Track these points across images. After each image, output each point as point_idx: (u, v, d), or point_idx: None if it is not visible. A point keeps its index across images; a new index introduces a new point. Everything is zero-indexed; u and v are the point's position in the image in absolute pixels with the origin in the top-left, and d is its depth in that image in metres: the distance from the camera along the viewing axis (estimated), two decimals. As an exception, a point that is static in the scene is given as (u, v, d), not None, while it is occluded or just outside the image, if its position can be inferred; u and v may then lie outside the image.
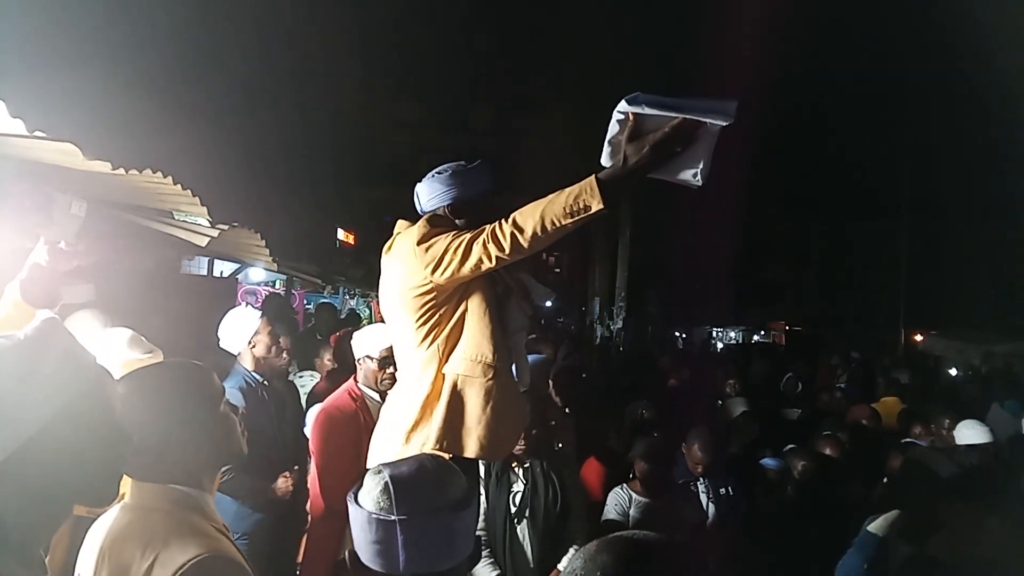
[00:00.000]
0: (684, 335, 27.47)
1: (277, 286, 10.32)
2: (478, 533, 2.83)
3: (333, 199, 11.64)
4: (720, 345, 25.99)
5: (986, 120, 21.28)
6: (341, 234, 12.49)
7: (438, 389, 2.11)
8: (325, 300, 10.74)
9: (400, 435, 2.12)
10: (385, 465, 1.40)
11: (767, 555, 3.34)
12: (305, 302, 11.13)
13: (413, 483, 1.34)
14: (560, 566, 2.93)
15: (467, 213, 2.20)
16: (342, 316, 9.47)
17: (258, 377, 3.62)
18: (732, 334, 31.30)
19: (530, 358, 3.88)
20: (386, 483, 1.34)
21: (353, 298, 12.23)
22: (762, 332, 30.17)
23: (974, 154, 21.83)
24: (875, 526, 2.83)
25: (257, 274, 8.93)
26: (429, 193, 2.27)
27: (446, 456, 2.00)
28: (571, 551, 2.96)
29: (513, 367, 2.31)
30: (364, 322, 9.15)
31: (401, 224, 2.25)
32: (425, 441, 2.06)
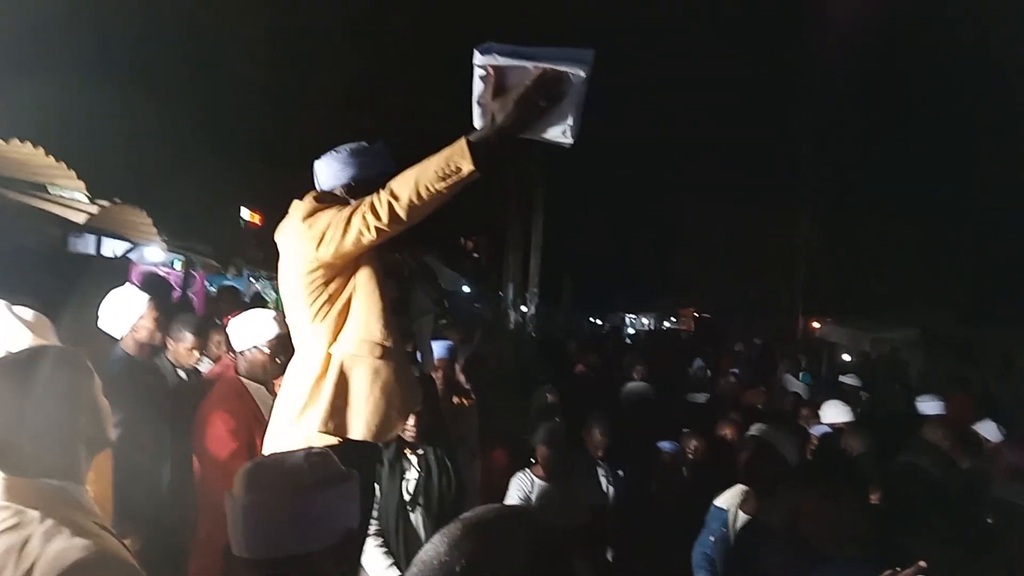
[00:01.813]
0: (598, 321, 28.03)
1: (176, 267, 9.85)
2: (372, 521, 2.77)
3: (237, 177, 11.18)
4: (631, 331, 26.64)
5: (884, 115, 22.54)
6: (247, 214, 12.02)
7: (326, 368, 2.05)
8: (229, 283, 10.31)
9: (291, 418, 2.05)
10: (264, 458, 1.39)
11: (661, 535, 3.42)
12: (208, 284, 10.66)
13: (265, 468, 1.33)
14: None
15: (364, 193, 2.09)
16: (247, 299, 9.14)
17: (140, 362, 3.41)
18: (644, 320, 32.16)
19: (438, 344, 3.86)
20: (245, 470, 1.32)
21: (259, 280, 11.80)
22: (672, 319, 31.12)
23: (870, 148, 23.10)
24: (721, 500, 2.98)
25: (153, 254, 8.47)
26: (327, 171, 2.21)
27: (334, 439, 1.95)
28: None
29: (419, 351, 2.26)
30: (270, 306, 8.85)
31: (295, 203, 2.16)
32: (313, 423, 2.00)
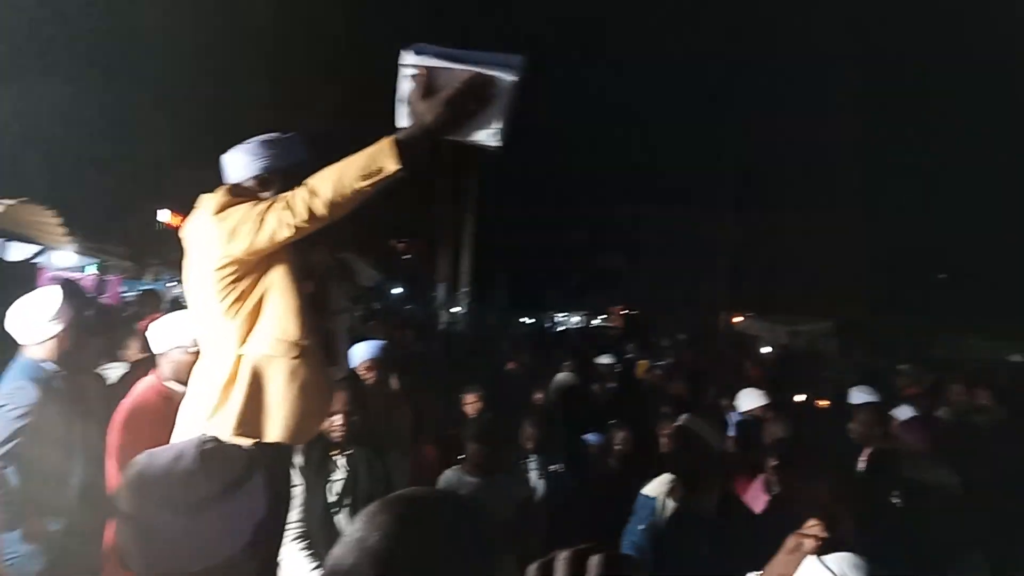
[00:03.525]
0: (529, 320, 28.22)
1: (88, 272, 9.42)
2: (296, 524, 2.72)
3: (156, 179, 10.78)
4: (562, 329, 26.95)
5: (803, 117, 23.52)
6: (166, 216, 11.60)
7: (236, 370, 1.97)
8: (147, 287, 9.93)
9: (199, 419, 1.97)
10: (149, 454, 1.27)
11: (589, 527, 3.47)
12: (123, 289, 10.23)
13: (153, 479, 1.21)
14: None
15: (276, 186, 2.04)
16: (167, 304, 8.82)
17: (53, 369, 3.24)
18: (575, 319, 32.56)
19: (370, 344, 3.81)
20: (130, 477, 1.22)
21: (178, 284, 11.42)
22: (602, 316, 31.61)
23: (789, 151, 24.09)
24: (648, 488, 3.07)
25: (65, 258, 8.07)
26: (237, 163, 2.13)
27: (248, 441, 1.89)
28: None
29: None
30: (191, 310, 8.53)
31: (203, 197, 2.07)
32: (225, 425, 1.92)
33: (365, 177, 1.79)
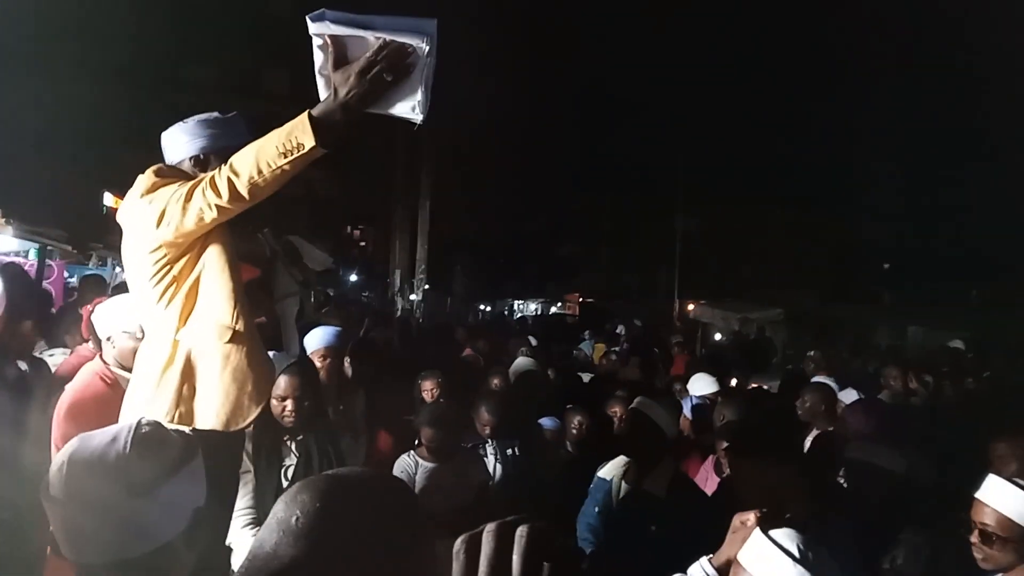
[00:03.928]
0: (486, 308, 28.23)
1: (31, 256, 9.08)
2: (247, 510, 2.67)
3: (99, 162, 10.42)
4: (519, 316, 27.04)
5: (749, 104, 23.96)
6: (111, 200, 11.23)
7: (173, 354, 1.92)
8: (92, 272, 9.61)
9: (140, 405, 1.91)
10: (82, 437, 1.23)
11: (544, 510, 3.50)
12: (67, 274, 9.90)
13: (87, 461, 1.18)
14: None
15: (215, 167, 1.94)
16: (113, 289, 8.55)
17: None
18: (532, 306, 32.69)
19: (325, 330, 3.77)
20: (62, 461, 1.18)
21: (124, 269, 11.12)
22: (559, 304, 31.80)
23: (741, 141, 24.54)
24: (604, 471, 3.11)
25: (4, 242, 7.77)
26: (175, 142, 2.07)
27: (185, 427, 1.85)
28: None
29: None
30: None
31: (138, 178, 2.00)
32: (160, 412, 1.87)
33: (284, 155, 1.72)
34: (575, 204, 30.29)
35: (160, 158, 2.12)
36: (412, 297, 14.51)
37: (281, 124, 2.14)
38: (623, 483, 3.00)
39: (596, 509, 3.06)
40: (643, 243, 27.21)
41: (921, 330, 16.51)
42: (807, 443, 3.90)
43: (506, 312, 28.79)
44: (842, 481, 3.34)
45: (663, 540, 2.69)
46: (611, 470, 3.08)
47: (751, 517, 1.72)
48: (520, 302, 32.74)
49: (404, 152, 15.64)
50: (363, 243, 30.21)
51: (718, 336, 15.36)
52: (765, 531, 1.49)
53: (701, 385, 4.85)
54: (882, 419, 3.86)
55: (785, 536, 1.47)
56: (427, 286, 14.45)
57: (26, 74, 8.24)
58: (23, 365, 3.57)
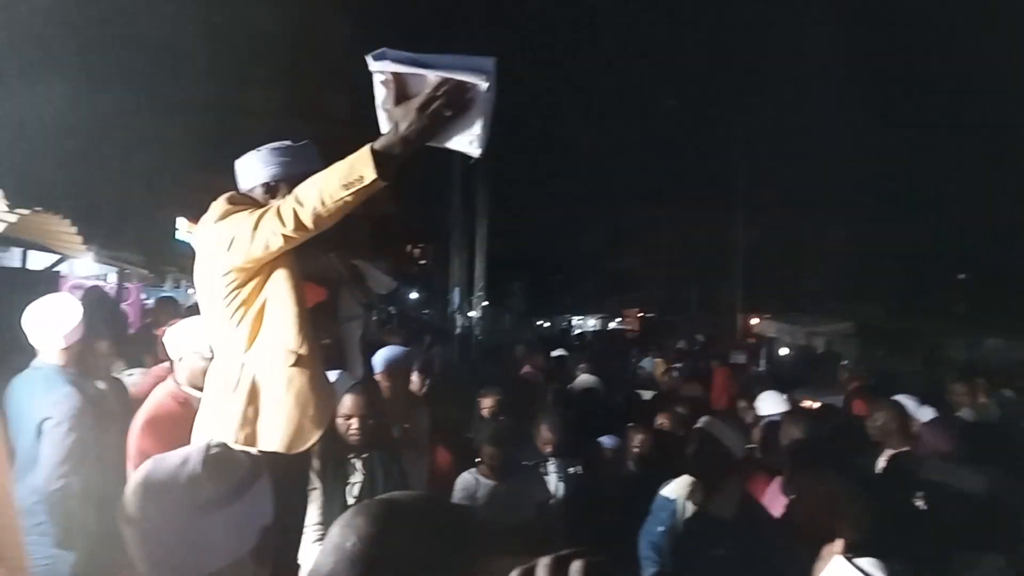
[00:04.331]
0: (544, 324, 28.20)
1: (110, 280, 9.52)
2: (317, 526, 2.73)
3: (174, 188, 10.88)
4: (577, 332, 26.93)
5: (816, 116, 23.41)
6: (184, 224, 11.70)
7: (240, 376, 1.98)
8: (166, 294, 10.02)
9: (210, 425, 1.98)
10: (156, 459, 1.28)
11: (606, 530, 3.45)
12: (144, 296, 10.35)
13: (160, 481, 1.21)
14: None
15: (284, 194, 2.00)
16: (186, 311, 8.89)
17: (79, 374, 3.25)
18: (591, 322, 32.50)
19: (389, 350, 3.82)
20: (137, 483, 1.22)
21: (196, 291, 11.54)
22: (618, 319, 31.53)
23: (806, 149, 23.97)
24: (668, 490, 3.05)
25: (85, 266, 8.17)
26: (248, 170, 2.13)
27: (252, 448, 1.89)
28: None
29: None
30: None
31: (212, 204, 2.06)
32: (228, 433, 1.92)
33: (346, 187, 1.77)
34: (633, 217, 30.05)
35: (229, 183, 2.19)
36: (471, 314, 14.61)
37: (342, 147, 2.20)
38: (688, 503, 2.94)
39: (660, 528, 3.01)
40: (704, 256, 26.75)
41: (1000, 342, 15.70)
42: (881, 463, 3.75)
43: (564, 328, 28.68)
44: (920, 503, 3.20)
45: (730, 563, 2.63)
46: (676, 490, 3.02)
47: (837, 545, 1.66)
48: (579, 318, 32.59)
49: (461, 170, 15.83)
50: (422, 261, 30.61)
51: (784, 351, 14.94)
52: (850, 559, 1.43)
53: (770, 403, 4.71)
54: (961, 438, 3.68)
55: (870, 565, 1.41)
56: (486, 303, 14.53)
57: (106, 108, 8.68)
58: (102, 384, 3.72)
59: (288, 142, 2.17)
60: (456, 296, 14.69)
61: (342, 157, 2.08)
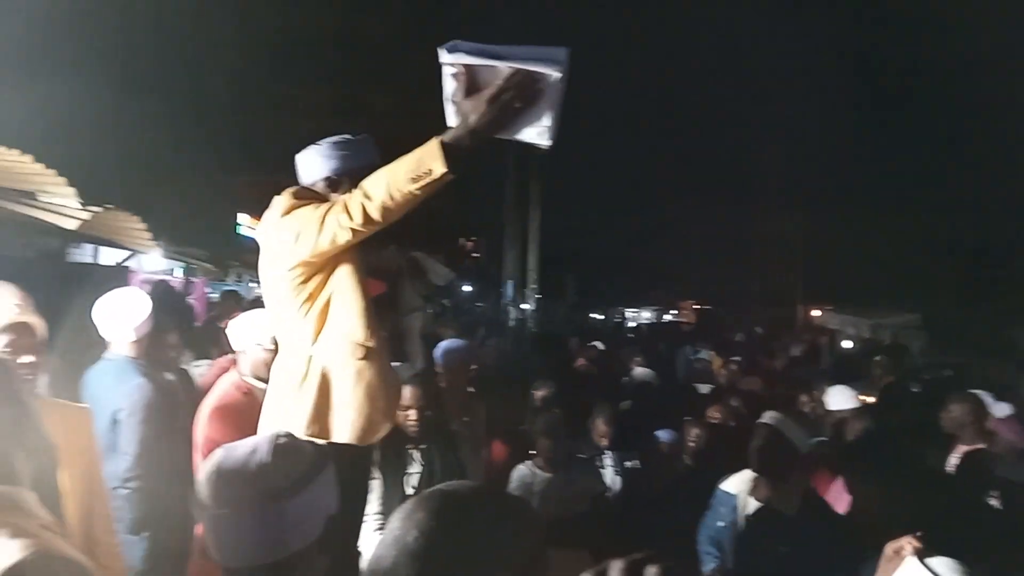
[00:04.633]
0: (599, 316, 28.02)
1: (176, 274, 9.87)
2: (376, 515, 2.77)
3: (234, 185, 11.22)
4: (632, 324, 26.69)
5: (880, 111, 22.62)
6: (246, 220, 12.06)
7: (307, 370, 2.00)
8: (229, 288, 10.35)
9: (278, 418, 2.01)
10: (226, 447, 1.31)
11: (662, 523, 3.42)
12: (208, 290, 10.70)
13: (229, 473, 1.25)
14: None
15: (346, 188, 2.03)
16: (248, 304, 9.15)
17: (144, 366, 3.37)
18: (645, 314, 32.19)
19: (451, 343, 3.85)
20: (209, 471, 1.26)
21: (258, 285, 11.88)
22: (673, 311, 31.14)
23: (865, 141, 23.18)
24: (728, 484, 2.98)
25: (154, 262, 8.49)
26: (308, 164, 2.16)
27: (320, 439, 1.92)
28: None
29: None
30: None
31: (275, 199, 2.09)
32: (297, 424, 1.94)
33: (414, 180, 1.76)
34: (688, 207, 29.59)
35: (285, 179, 2.23)
36: (524, 307, 14.62)
37: (386, 139, 2.21)
38: (750, 498, 2.87)
39: (720, 523, 2.96)
40: (764, 246, 26.13)
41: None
42: (954, 460, 3.61)
43: (618, 320, 28.46)
44: (995, 502, 3.08)
45: (793, 560, 2.57)
46: (737, 484, 2.96)
47: (906, 545, 1.59)
48: (633, 310, 32.30)
49: (514, 162, 15.82)
50: (475, 254, 30.74)
51: (847, 344, 14.48)
52: (922, 560, 1.38)
53: (838, 399, 4.57)
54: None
55: (944, 566, 1.35)
56: (539, 296, 14.52)
57: (164, 109, 9.01)
58: (170, 376, 3.85)
59: (348, 136, 2.18)
60: (509, 289, 14.72)
61: (387, 152, 2.11)
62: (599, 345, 8.14)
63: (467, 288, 23.47)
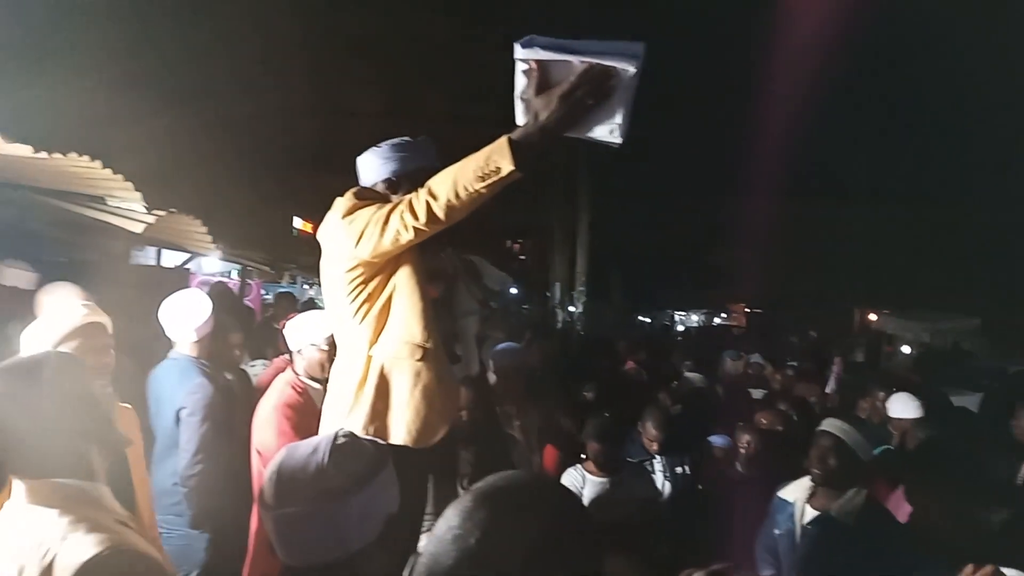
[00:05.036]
0: (647, 319, 27.75)
1: (233, 276, 10.13)
2: (427, 516, 2.80)
3: (289, 188, 11.47)
4: (681, 328, 26.32)
5: (939, 107, 21.85)
6: (299, 223, 12.30)
7: (367, 371, 2.02)
8: (284, 289, 10.58)
9: (338, 420, 2.04)
10: (292, 447, 1.34)
11: (714, 529, 3.37)
12: (263, 292, 10.97)
13: (289, 475, 1.28)
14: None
15: (406, 189, 2.05)
16: (301, 305, 9.34)
17: (206, 365, 3.48)
18: (694, 317, 31.72)
19: (505, 346, 3.88)
20: (272, 471, 1.29)
21: (312, 287, 12.10)
22: (723, 314, 30.61)
23: (927, 138, 22.40)
24: (786, 492, 2.91)
25: (212, 264, 8.75)
26: (369, 166, 2.20)
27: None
28: None
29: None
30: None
31: (337, 200, 2.13)
32: (357, 425, 1.97)
33: (482, 178, 1.75)
34: (738, 206, 29.02)
35: (336, 181, 2.27)
36: (572, 309, 14.57)
37: (441, 142, 2.23)
38: (808, 507, 2.81)
39: (777, 531, 2.90)
40: (815, 246, 25.47)
41: None
42: None
43: (667, 324, 28.13)
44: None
45: (852, 570, 2.51)
46: (795, 492, 2.90)
47: (988, 570, 1.54)
48: (681, 313, 31.88)
49: (561, 163, 15.77)
50: (522, 256, 30.71)
51: (906, 349, 14.03)
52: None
53: (901, 407, 4.44)
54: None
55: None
56: (586, 298, 14.43)
57: (224, 109, 9.26)
58: (230, 375, 3.97)
59: (407, 138, 2.21)
60: (557, 291, 14.69)
61: (443, 154, 2.12)
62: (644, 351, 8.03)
63: (513, 290, 23.48)
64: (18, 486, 1.32)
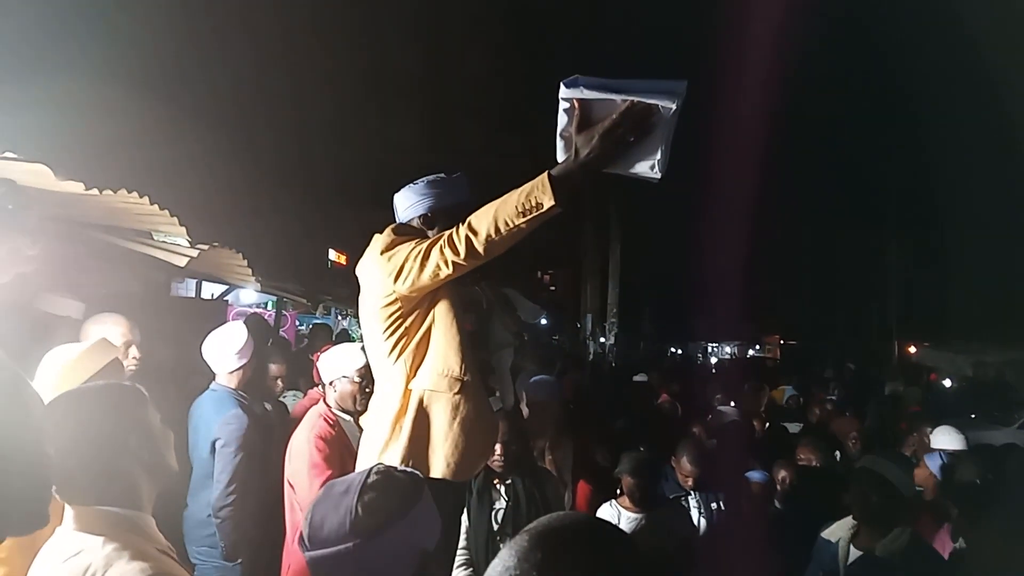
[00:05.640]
0: (679, 351, 27.47)
1: (269, 308, 10.28)
2: (462, 550, 2.79)
3: (323, 220, 11.67)
4: (714, 360, 25.98)
5: (981, 134, 21.51)
6: (333, 255, 12.46)
7: (405, 404, 2.03)
8: (319, 321, 10.70)
9: (375, 454, 2.05)
10: (329, 484, 1.36)
11: (753, 567, 3.30)
12: (298, 323, 11.10)
13: (323, 512, 1.29)
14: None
15: (441, 224, 2.10)
16: (335, 337, 9.43)
17: (243, 396, 3.53)
18: (727, 349, 31.32)
19: (539, 379, 3.87)
20: (310, 509, 1.30)
21: (346, 318, 12.22)
22: (757, 346, 30.18)
23: (966, 168, 22.03)
24: (829, 532, 2.84)
25: (248, 295, 8.89)
26: (405, 203, 2.24)
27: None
28: None
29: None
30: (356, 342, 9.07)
31: (375, 237, 2.18)
32: (394, 459, 1.99)
33: (522, 214, 1.79)
34: (772, 235, 28.73)
35: (372, 215, 2.31)
36: (603, 340, 14.50)
37: (477, 175, 2.26)
38: (852, 547, 2.74)
39: (821, 573, 2.83)
40: (852, 277, 25.04)
41: None
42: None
43: (700, 356, 27.80)
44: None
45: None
46: (837, 532, 2.82)
47: None
48: (714, 344, 31.51)
49: (593, 194, 15.82)
50: (552, 287, 30.75)
51: (947, 382, 13.65)
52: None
53: (945, 440, 4.33)
54: None
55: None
56: (618, 330, 14.37)
57: (261, 142, 9.50)
58: (268, 406, 4.02)
59: (442, 175, 2.25)
60: (588, 322, 14.64)
61: (479, 189, 2.16)
62: (643, 377, 7.96)
63: (543, 321, 23.46)
64: (68, 512, 1.36)
